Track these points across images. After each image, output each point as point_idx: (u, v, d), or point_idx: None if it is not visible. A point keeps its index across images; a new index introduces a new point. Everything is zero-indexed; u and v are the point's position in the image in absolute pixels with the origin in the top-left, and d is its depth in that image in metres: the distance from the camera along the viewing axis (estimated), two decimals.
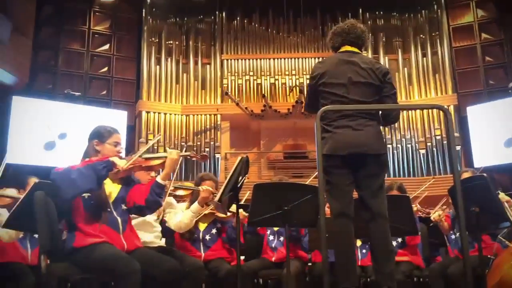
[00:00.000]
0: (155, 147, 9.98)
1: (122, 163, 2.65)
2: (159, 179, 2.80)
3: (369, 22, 11.27)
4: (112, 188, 2.80)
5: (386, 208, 2.88)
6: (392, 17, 11.41)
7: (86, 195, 2.67)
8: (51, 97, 9.97)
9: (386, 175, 3.07)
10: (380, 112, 3.06)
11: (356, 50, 3.08)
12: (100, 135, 2.85)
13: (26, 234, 3.59)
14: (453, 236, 4.23)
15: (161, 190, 2.81)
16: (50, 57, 10.45)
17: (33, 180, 3.71)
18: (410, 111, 10.61)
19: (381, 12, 11.42)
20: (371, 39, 11.08)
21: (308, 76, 2.85)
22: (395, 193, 4.23)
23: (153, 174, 3.25)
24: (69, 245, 2.60)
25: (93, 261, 2.54)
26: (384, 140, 9.77)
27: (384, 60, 10.91)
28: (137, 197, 2.81)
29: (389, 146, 10.29)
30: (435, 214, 4.26)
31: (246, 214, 3.72)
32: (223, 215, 3.86)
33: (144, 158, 2.83)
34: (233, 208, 3.76)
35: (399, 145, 10.37)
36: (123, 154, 2.92)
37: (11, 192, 3.45)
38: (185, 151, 3.05)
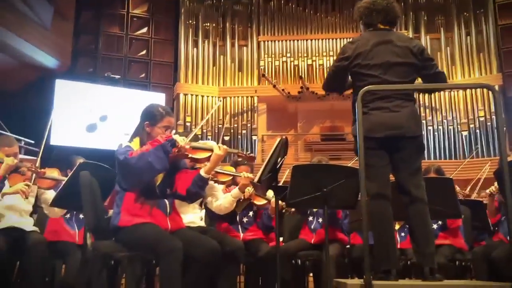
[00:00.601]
0: (192, 128, 10.11)
1: (182, 141, 2.68)
2: (202, 172, 2.78)
3: (410, 0, 10.94)
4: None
5: (424, 190, 2.82)
6: None
7: None
8: (92, 80, 10.20)
9: (423, 157, 2.99)
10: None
11: (390, 28, 3.00)
12: (152, 117, 2.81)
13: (72, 214, 3.70)
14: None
15: (203, 183, 2.81)
16: (90, 41, 10.67)
17: (80, 161, 3.82)
18: (452, 91, 10.29)
19: None
20: (412, 18, 10.78)
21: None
22: (433, 176, 4.12)
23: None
24: (114, 223, 2.66)
25: (136, 239, 2.59)
26: (422, 121, 9.66)
27: (425, 39, 10.61)
28: (180, 186, 2.82)
29: (430, 127, 10.07)
30: (492, 188, 4.13)
31: (283, 203, 3.74)
32: (259, 202, 3.88)
33: (192, 147, 2.83)
34: (270, 194, 3.78)
35: (440, 127, 10.12)
36: None
37: (54, 173, 3.54)
38: (233, 149, 3.02)
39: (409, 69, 2.88)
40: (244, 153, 3.15)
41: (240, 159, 3.07)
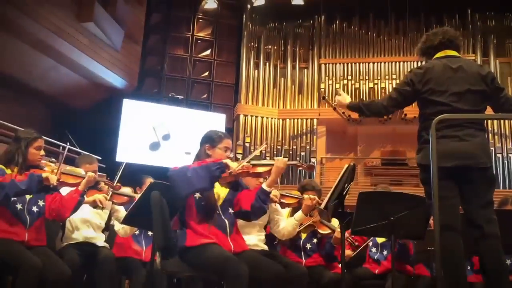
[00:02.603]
0: (251, 148, 10.19)
1: (234, 166, 2.74)
2: (265, 186, 2.84)
3: (478, 23, 10.63)
4: (220, 192, 2.88)
5: (497, 225, 2.69)
6: (504, 17, 10.67)
7: (197, 195, 2.77)
8: (156, 100, 10.57)
9: (494, 189, 2.86)
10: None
11: (457, 54, 2.93)
12: (211, 140, 2.94)
13: (141, 232, 3.82)
14: None
15: (266, 196, 2.85)
16: (156, 62, 11.10)
17: (149, 180, 3.94)
18: None
19: (492, 13, 10.72)
20: (480, 41, 10.44)
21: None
22: (510, 208, 3.93)
23: (261, 180, 3.31)
24: (182, 243, 2.71)
25: (203, 260, 2.62)
26: (491, 148, 9.25)
27: (495, 64, 10.22)
28: (243, 202, 2.87)
29: (499, 155, 9.62)
30: None
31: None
32: (324, 231, 3.84)
33: (252, 165, 2.89)
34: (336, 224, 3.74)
35: (510, 155, 9.64)
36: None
37: (127, 191, 3.68)
38: (292, 160, 3.07)
39: (480, 97, 2.80)
40: (303, 163, 3.19)
41: (300, 168, 3.10)
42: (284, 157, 10.44)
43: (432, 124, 2.47)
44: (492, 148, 9.60)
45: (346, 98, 3.08)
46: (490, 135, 9.66)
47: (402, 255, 3.87)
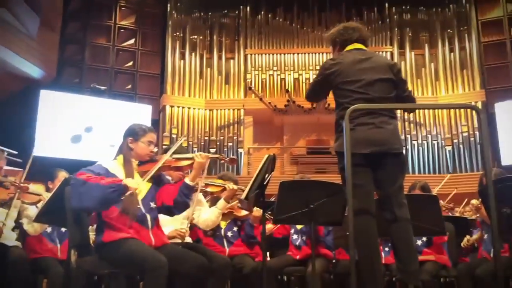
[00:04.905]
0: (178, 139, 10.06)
1: (134, 185, 2.61)
2: (187, 180, 2.81)
3: (395, 16, 11.12)
4: (142, 186, 2.81)
5: (407, 209, 2.84)
6: (419, 11, 11.22)
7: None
8: (77, 91, 10.12)
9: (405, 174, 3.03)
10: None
11: (365, 48, 3.08)
12: (134, 133, 2.86)
13: (54, 229, 3.64)
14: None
15: (189, 191, 2.82)
16: (76, 52, 10.60)
17: (62, 174, 3.77)
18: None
19: (408, 7, 11.24)
20: (397, 34, 10.95)
21: None
22: (418, 192, 4.15)
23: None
24: (98, 240, 2.63)
25: (121, 255, 2.56)
26: (407, 135, 9.75)
27: (410, 55, 10.77)
28: (166, 197, 2.83)
29: (414, 142, 10.18)
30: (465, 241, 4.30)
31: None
32: (240, 214, 3.89)
33: (174, 158, 2.85)
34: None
35: (424, 142, 10.24)
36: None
37: (36, 188, 3.48)
38: (214, 154, 3.06)
39: (390, 85, 2.95)
40: (225, 156, 3.21)
41: (222, 161, 3.11)
42: (211, 148, 10.47)
43: (345, 114, 2.55)
44: (408, 136, 10.16)
45: None
46: (406, 123, 10.19)
47: (315, 238, 3.99)
